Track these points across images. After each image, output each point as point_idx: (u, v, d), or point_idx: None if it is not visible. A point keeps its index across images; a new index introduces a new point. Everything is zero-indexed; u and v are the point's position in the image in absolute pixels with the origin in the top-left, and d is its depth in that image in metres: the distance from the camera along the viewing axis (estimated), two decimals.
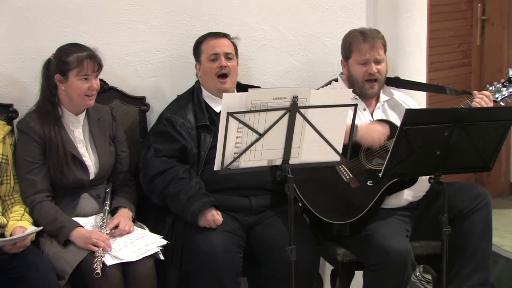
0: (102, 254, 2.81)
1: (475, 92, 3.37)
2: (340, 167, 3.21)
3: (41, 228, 2.89)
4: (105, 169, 3.16)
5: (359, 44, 3.35)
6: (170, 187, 3.12)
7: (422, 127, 2.79)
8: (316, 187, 3.22)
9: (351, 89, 3.14)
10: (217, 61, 3.31)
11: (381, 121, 3.33)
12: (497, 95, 3.37)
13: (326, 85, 3.66)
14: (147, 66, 3.57)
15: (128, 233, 3.01)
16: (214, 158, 2.66)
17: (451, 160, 2.90)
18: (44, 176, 3.02)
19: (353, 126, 2.80)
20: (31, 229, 2.89)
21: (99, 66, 3.06)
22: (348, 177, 3.21)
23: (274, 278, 3.10)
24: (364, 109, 3.39)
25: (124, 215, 3.08)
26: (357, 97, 3.38)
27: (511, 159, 5.02)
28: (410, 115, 2.80)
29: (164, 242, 3.01)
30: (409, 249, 3.09)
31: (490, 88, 3.39)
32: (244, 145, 2.65)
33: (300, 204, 3.25)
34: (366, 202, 3.17)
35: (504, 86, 3.39)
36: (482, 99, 3.25)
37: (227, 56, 3.33)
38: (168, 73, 3.61)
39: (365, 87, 3.37)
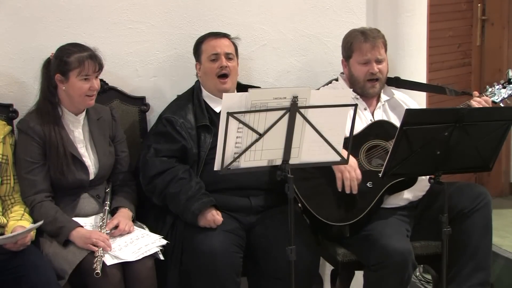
0: (102, 254, 2.81)
1: (475, 93, 3.37)
2: None
3: (42, 222, 2.87)
4: (105, 169, 3.16)
5: (360, 44, 3.35)
6: (170, 187, 3.12)
7: (422, 127, 2.79)
8: (316, 188, 3.22)
9: (352, 89, 3.14)
10: (218, 61, 3.31)
11: (379, 122, 3.35)
12: (496, 97, 3.37)
13: (326, 84, 3.66)
14: (147, 66, 3.58)
15: (128, 233, 3.01)
16: (214, 158, 2.66)
17: (451, 160, 2.90)
18: (44, 176, 3.02)
19: (353, 126, 2.79)
20: (31, 225, 2.89)
21: (100, 66, 3.06)
22: None
23: (274, 278, 3.09)
24: (365, 109, 3.40)
25: (124, 215, 3.08)
26: (358, 96, 3.38)
27: (511, 159, 5.03)
28: (410, 115, 2.80)
29: (164, 242, 3.01)
30: (409, 249, 3.08)
31: (490, 89, 3.40)
32: (244, 145, 2.65)
33: (299, 204, 3.24)
34: (365, 204, 3.17)
35: (504, 87, 3.39)
36: (480, 103, 3.26)
37: (228, 56, 3.33)
38: (168, 73, 3.61)
39: (366, 87, 3.37)
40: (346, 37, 3.44)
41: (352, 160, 3.11)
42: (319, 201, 3.20)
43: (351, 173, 3.11)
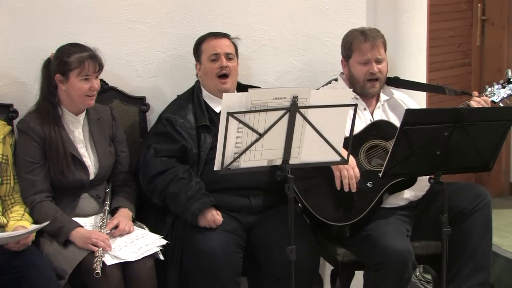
0: (102, 254, 2.81)
1: (475, 92, 3.37)
2: None
3: (47, 223, 2.87)
4: (104, 169, 3.16)
5: (360, 44, 3.35)
6: (170, 187, 3.12)
7: (422, 127, 2.79)
8: (316, 188, 3.22)
9: (351, 89, 3.14)
10: (218, 61, 3.31)
11: (379, 122, 3.35)
12: (496, 97, 3.37)
13: (326, 84, 3.66)
14: (147, 66, 3.57)
15: (128, 233, 3.01)
16: (214, 158, 2.66)
17: (451, 160, 2.90)
18: (44, 176, 3.02)
19: (353, 126, 2.79)
20: (35, 225, 2.88)
21: (100, 66, 3.06)
22: None
23: (274, 278, 3.10)
24: (365, 109, 3.40)
25: (124, 215, 3.08)
26: (357, 96, 3.38)
27: (511, 159, 5.03)
28: (410, 115, 2.80)
29: (164, 242, 3.01)
30: (409, 249, 3.08)
31: (489, 89, 3.40)
32: (244, 145, 2.65)
33: (299, 204, 3.24)
34: (366, 204, 3.17)
35: (503, 87, 3.39)
36: (479, 103, 3.26)
37: (228, 57, 3.33)
38: (168, 73, 3.61)
39: (366, 87, 3.37)
40: (346, 37, 3.44)
41: (350, 159, 3.11)
42: (319, 201, 3.20)
43: (349, 171, 3.10)
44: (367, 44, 3.34)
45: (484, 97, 3.32)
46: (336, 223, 3.18)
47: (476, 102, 3.27)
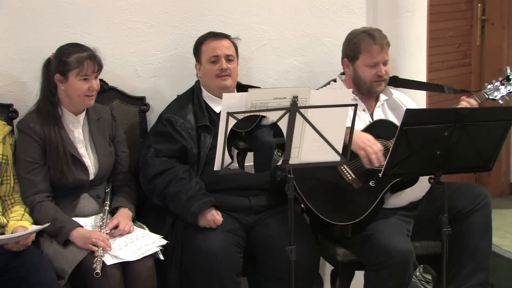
0: (102, 254, 2.81)
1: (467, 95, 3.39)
2: (342, 167, 3.21)
3: (47, 225, 2.87)
4: (104, 169, 3.16)
5: (370, 46, 3.30)
6: (170, 187, 3.12)
7: (422, 127, 2.79)
8: (318, 188, 3.22)
9: (351, 89, 3.13)
10: (218, 63, 3.30)
11: (380, 121, 3.35)
12: (495, 94, 3.38)
13: (324, 85, 3.65)
14: (147, 66, 3.58)
15: (128, 233, 3.01)
16: (214, 158, 2.66)
17: (451, 160, 2.90)
18: (44, 176, 3.02)
19: (353, 126, 2.79)
20: (35, 226, 2.88)
21: (99, 66, 3.06)
22: (350, 177, 3.20)
23: (274, 278, 3.10)
24: (364, 110, 3.39)
25: (124, 215, 3.08)
26: (356, 97, 3.37)
27: (511, 159, 5.03)
28: (410, 115, 2.80)
29: (164, 242, 3.01)
30: (410, 249, 3.08)
31: (489, 86, 3.40)
32: None
33: (302, 205, 3.24)
34: (368, 203, 3.17)
35: (503, 85, 3.39)
36: (469, 104, 3.28)
37: (228, 58, 3.32)
38: (168, 73, 3.61)
39: (373, 86, 3.35)
40: (352, 38, 3.38)
41: (367, 136, 3.12)
42: (322, 201, 3.19)
43: (373, 147, 3.09)
44: (376, 46, 3.30)
45: (472, 101, 3.32)
46: (339, 223, 3.17)
47: (466, 102, 3.29)
